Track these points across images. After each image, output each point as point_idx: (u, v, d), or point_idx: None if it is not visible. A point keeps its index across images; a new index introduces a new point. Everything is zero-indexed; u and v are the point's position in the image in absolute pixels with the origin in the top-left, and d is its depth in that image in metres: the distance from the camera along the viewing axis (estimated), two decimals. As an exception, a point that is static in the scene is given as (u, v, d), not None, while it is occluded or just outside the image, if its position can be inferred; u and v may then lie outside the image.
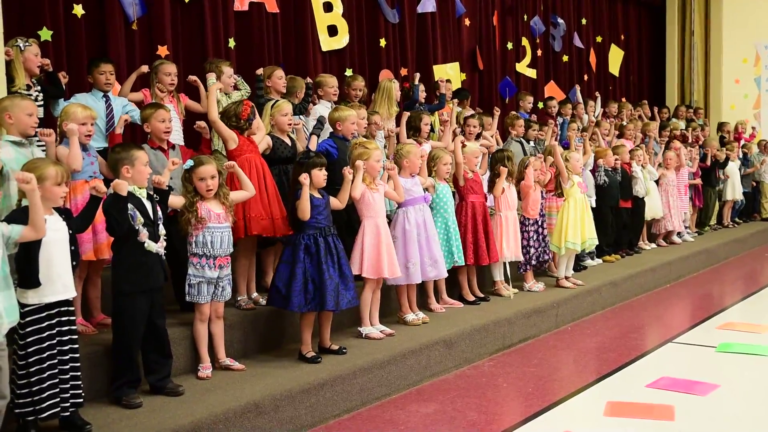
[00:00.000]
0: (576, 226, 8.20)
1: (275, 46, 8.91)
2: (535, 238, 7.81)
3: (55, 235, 4.14)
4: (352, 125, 6.78)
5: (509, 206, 7.59)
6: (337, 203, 5.86)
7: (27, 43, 5.72)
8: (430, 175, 6.91)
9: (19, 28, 6.60)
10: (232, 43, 8.43)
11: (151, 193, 4.87)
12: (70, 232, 4.30)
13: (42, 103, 5.79)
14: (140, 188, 4.74)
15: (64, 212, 4.34)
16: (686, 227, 11.65)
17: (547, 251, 8.00)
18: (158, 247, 4.74)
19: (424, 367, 5.92)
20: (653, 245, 10.83)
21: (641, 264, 9.51)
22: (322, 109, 7.61)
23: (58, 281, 4.16)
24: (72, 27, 7.09)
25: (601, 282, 8.42)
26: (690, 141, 12.84)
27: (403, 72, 10.56)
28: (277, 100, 6.75)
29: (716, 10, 16.43)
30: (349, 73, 9.72)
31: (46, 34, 6.81)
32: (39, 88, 5.85)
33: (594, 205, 9.15)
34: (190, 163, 5.19)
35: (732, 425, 4.94)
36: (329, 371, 5.26)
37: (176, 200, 5.13)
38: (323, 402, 5.08)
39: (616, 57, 15.44)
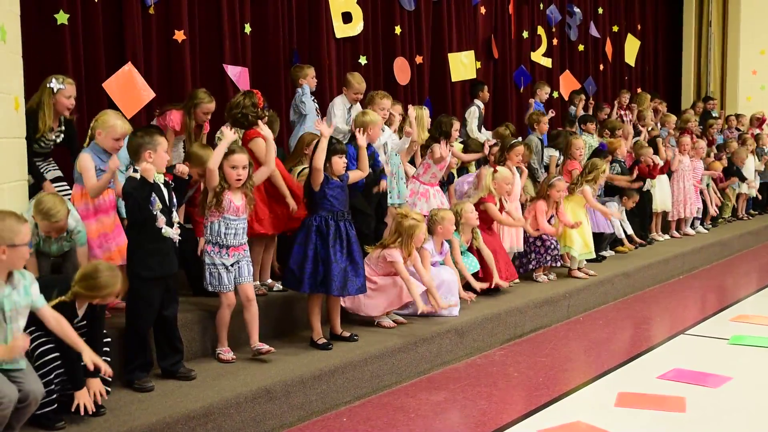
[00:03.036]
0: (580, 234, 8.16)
1: (290, 32, 8.91)
2: (541, 246, 7.81)
3: None
4: (378, 130, 6.68)
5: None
6: (358, 174, 5.91)
7: (62, 85, 5.47)
8: (457, 229, 6.88)
9: (36, 11, 6.62)
10: (247, 28, 8.43)
11: (168, 180, 4.89)
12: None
13: (61, 141, 5.66)
14: (159, 173, 4.76)
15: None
16: (699, 219, 11.58)
17: (557, 257, 7.91)
18: (174, 233, 4.77)
19: (435, 355, 5.93)
20: (666, 236, 10.78)
21: (654, 255, 9.47)
22: (338, 102, 7.60)
23: None
24: (89, 10, 7.09)
25: (614, 273, 8.40)
26: (708, 141, 12.77)
27: (418, 60, 10.54)
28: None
29: (734, 1, 16.30)
30: (363, 60, 9.72)
31: (62, 17, 6.81)
32: (63, 128, 5.65)
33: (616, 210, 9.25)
34: None
35: (744, 418, 4.92)
36: (340, 358, 5.28)
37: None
38: (334, 389, 5.10)
39: (632, 47, 15.35)
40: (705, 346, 6.62)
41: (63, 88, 5.49)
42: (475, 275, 7.00)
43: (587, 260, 8.43)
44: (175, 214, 4.84)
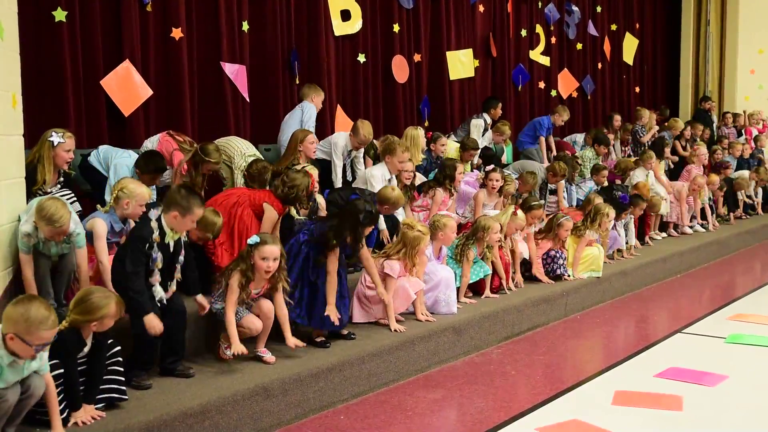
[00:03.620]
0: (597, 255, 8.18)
1: (288, 29, 8.90)
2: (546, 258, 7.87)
3: None
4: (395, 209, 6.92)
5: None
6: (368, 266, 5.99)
7: (62, 139, 5.53)
8: (471, 238, 6.89)
9: (34, 8, 6.62)
10: (245, 26, 8.42)
11: (185, 239, 4.87)
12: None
13: (65, 195, 5.61)
14: (176, 234, 4.73)
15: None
16: (696, 217, 11.60)
17: (563, 269, 7.94)
18: (163, 295, 4.71)
19: (433, 353, 5.94)
20: (664, 234, 10.78)
21: (652, 254, 9.48)
22: (341, 144, 7.77)
23: None
24: (87, 8, 7.09)
25: (612, 271, 8.40)
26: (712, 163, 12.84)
27: (417, 58, 10.53)
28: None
29: (733, 0, 16.30)
30: (361, 58, 9.71)
31: (60, 14, 6.81)
32: (62, 179, 5.70)
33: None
34: (255, 239, 5.05)
35: (740, 416, 4.93)
36: (338, 356, 5.28)
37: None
38: (331, 386, 5.10)
39: (630, 45, 15.35)
40: (702, 344, 6.63)
41: (63, 142, 5.55)
42: (480, 283, 7.06)
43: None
44: (178, 270, 4.82)
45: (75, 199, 5.66)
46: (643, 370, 5.86)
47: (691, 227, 11.30)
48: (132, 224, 5.32)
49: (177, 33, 7.73)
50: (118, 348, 4.38)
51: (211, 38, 8.13)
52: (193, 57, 7.93)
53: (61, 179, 5.70)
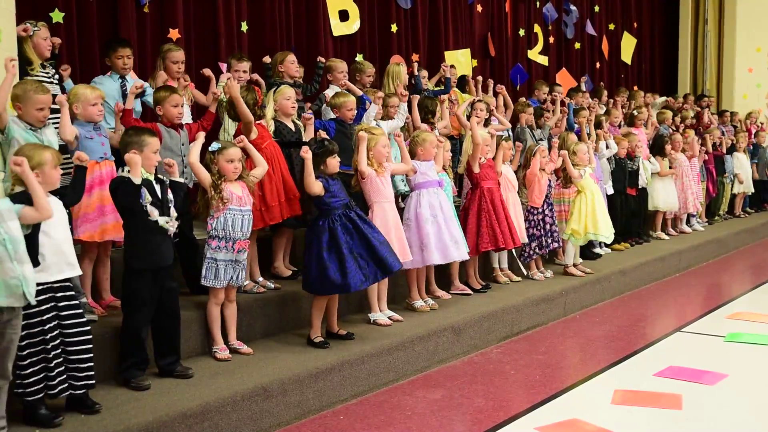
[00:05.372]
0: (596, 217, 8.08)
1: (287, 30, 8.91)
2: (542, 227, 7.76)
3: (55, 215, 4.11)
4: (350, 111, 6.78)
5: (508, 188, 7.49)
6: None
7: (36, 27, 5.64)
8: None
9: (31, 10, 6.62)
10: (244, 26, 8.43)
11: (162, 177, 4.86)
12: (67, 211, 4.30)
13: (57, 82, 5.80)
14: (148, 173, 4.73)
15: (57, 192, 4.31)
16: (695, 216, 11.59)
17: (556, 239, 7.94)
18: (168, 223, 4.73)
19: (432, 353, 5.93)
20: (663, 235, 10.77)
21: (651, 253, 9.48)
22: (331, 93, 7.62)
23: (62, 260, 4.18)
24: (84, 9, 7.10)
25: (610, 270, 8.41)
26: (706, 124, 12.73)
27: (415, 58, 10.52)
28: (281, 84, 6.73)
29: (730, -1, 16.33)
30: (359, 58, 9.71)
31: (57, 16, 6.82)
32: (53, 69, 5.83)
33: (611, 191, 9.24)
34: (216, 145, 5.21)
35: (740, 415, 4.93)
36: (337, 356, 5.28)
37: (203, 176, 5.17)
38: (331, 386, 5.10)
39: (628, 45, 15.35)
40: (701, 343, 6.63)
41: (38, 30, 5.63)
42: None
43: (586, 258, 8.51)
44: (172, 210, 4.81)
45: (58, 81, 5.83)
46: (642, 369, 5.86)
47: (689, 225, 11.30)
48: (105, 129, 5.40)
49: (174, 34, 7.73)
50: (90, 326, 4.35)
51: (208, 39, 8.13)
52: (190, 58, 7.92)
53: (53, 69, 5.82)
